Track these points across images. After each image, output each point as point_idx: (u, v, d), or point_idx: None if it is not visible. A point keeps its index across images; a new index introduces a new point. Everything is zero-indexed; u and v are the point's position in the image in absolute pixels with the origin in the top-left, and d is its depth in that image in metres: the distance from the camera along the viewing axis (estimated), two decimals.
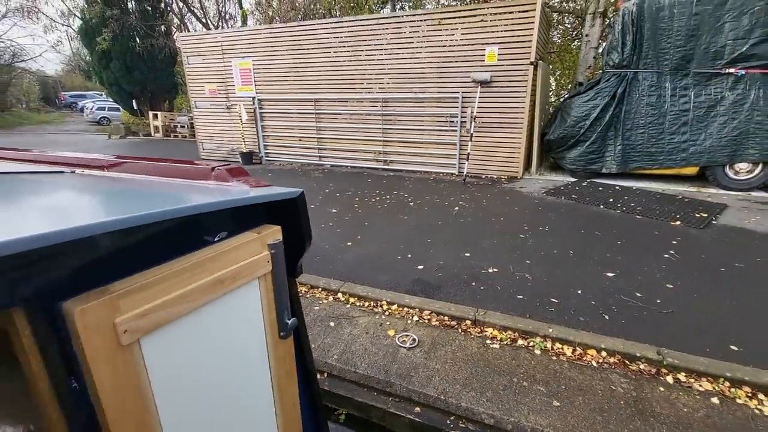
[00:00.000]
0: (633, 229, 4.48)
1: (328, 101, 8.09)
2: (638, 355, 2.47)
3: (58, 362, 0.67)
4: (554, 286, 3.32)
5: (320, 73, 7.95)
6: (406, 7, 12.33)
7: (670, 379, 2.34)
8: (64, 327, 0.66)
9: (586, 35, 7.82)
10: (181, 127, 15.02)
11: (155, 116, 15.56)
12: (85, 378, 0.69)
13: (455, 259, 3.85)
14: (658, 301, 3.04)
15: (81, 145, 14.20)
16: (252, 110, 8.85)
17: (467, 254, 3.94)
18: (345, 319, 3.08)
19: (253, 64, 8.53)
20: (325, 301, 3.34)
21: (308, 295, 3.42)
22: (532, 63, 6.20)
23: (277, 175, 8.00)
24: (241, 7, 15.84)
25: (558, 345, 2.66)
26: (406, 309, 3.15)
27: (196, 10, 17.28)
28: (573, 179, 6.72)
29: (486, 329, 2.87)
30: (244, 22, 15.20)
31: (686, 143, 5.88)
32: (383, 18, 7.33)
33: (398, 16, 7.25)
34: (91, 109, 22.85)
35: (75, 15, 18.29)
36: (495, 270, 3.61)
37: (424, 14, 6.92)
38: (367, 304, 3.27)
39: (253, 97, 8.77)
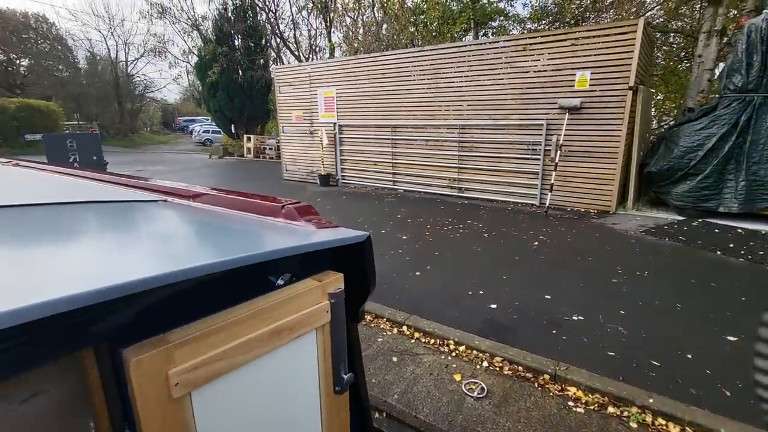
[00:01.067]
0: (763, 284, 3.68)
1: (404, 127, 8.20)
2: None
3: (117, 406, 0.66)
4: (656, 345, 2.81)
5: (399, 101, 8.13)
6: (489, 35, 12.22)
7: None
8: (122, 372, 0.65)
9: (699, 56, 6.93)
10: (269, 149, 16.41)
11: (248, 139, 17.25)
12: (136, 427, 0.67)
13: (533, 301, 3.50)
14: None
15: (187, 162, 16.23)
16: (332, 135, 9.32)
17: (547, 296, 3.56)
18: (408, 355, 2.93)
19: (337, 92, 9.04)
20: (389, 333, 3.22)
21: (372, 325, 3.34)
22: (631, 88, 5.62)
23: (351, 198, 8.24)
24: (329, 40, 17.12)
25: (661, 420, 2.21)
26: (475, 352, 2.90)
27: (290, 45, 19.09)
28: (680, 217, 5.84)
29: (568, 388, 2.51)
30: (332, 54, 16.36)
31: None
32: (465, 46, 7.29)
33: (481, 44, 7.16)
34: (198, 132, 26.22)
35: (193, 53, 21.38)
36: (580, 318, 3.19)
37: (509, 40, 6.74)
38: (432, 341, 3.09)
39: (334, 123, 9.25)
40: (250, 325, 0.78)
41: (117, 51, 29.80)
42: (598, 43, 5.83)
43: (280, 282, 0.89)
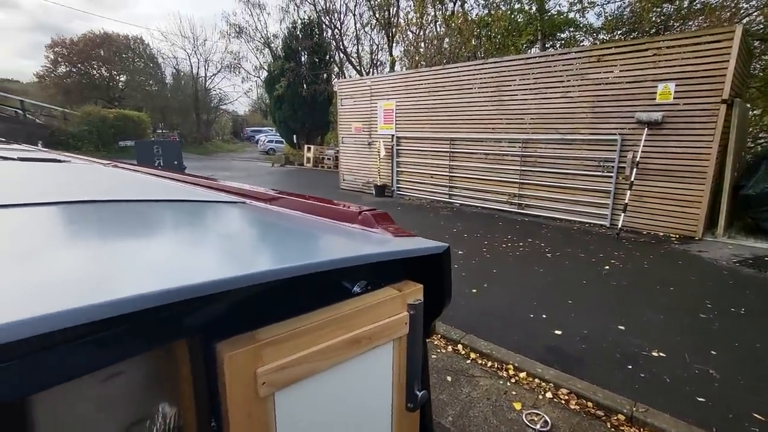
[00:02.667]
0: None
1: (463, 140, 8.08)
2: None
3: (205, 399, 0.67)
4: (758, 395, 2.42)
5: (459, 113, 8.04)
6: (557, 46, 11.74)
7: None
8: (213, 366, 0.65)
9: None
10: (328, 159, 17.00)
11: (308, 149, 18.02)
12: (222, 422, 0.67)
13: (604, 331, 3.19)
14: None
15: (251, 170, 17.30)
16: (390, 147, 9.43)
17: (621, 327, 3.24)
18: (464, 376, 2.80)
19: (396, 105, 9.15)
20: (444, 351, 3.11)
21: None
22: (724, 101, 5.06)
23: (406, 210, 8.22)
24: (391, 54, 17.52)
25: None
26: (537, 380, 2.70)
27: (353, 59, 19.81)
28: None
29: None
30: (392, 68, 16.70)
31: None
32: (531, 58, 7.05)
33: (549, 55, 6.89)
34: (263, 141, 27.95)
35: (264, 68, 22.96)
36: (662, 355, 2.85)
37: (580, 51, 6.41)
38: (490, 363, 2.92)
39: (393, 135, 9.35)
40: (331, 331, 0.76)
41: (198, 67, 32.91)
42: (686, 52, 5.33)
43: (356, 289, 0.87)
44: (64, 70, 28.94)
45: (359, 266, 0.87)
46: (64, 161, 2.80)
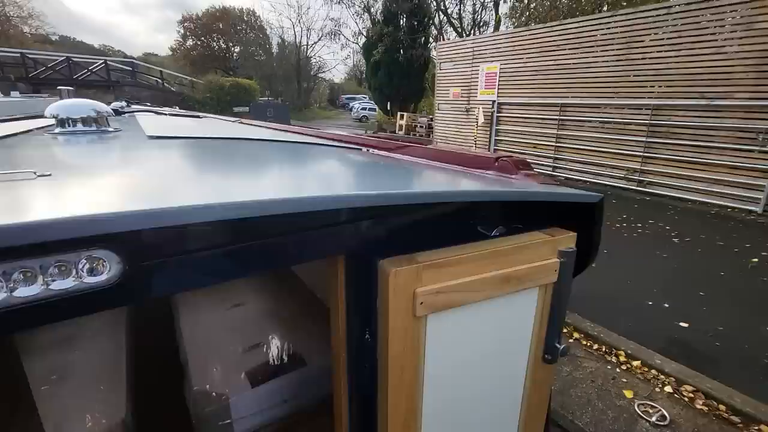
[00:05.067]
0: None
1: (576, 106, 7.24)
2: None
3: (360, 313, 0.70)
4: None
5: (573, 76, 7.18)
6: None
7: None
8: (371, 283, 0.68)
9: None
10: (420, 127, 16.78)
11: (401, 116, 17.94)
12: (378, 335, 0.70)
13: (746, 330, 2.71)
14: None
15: None
16: (489, 114, 8.91)
17: None
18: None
19: (500, 68, 8.52)
20: None
21: None
22: None
23: None
24: (496, 13, 16.21)
25: None
26: (654, 372, 2.43)
27: (453, 21, 18.84)
28: None
29: None
30: (497, 28, 15.48)
31: None
32: (676, 5, 5.88)
33: (699, 2, 5.67)
34: (357, 109, 28.63)
35: (362, 34, 23.14)
36: None
37: None
38: (596, 346, 2.70)
39: (493, 101, 8.79)
40: (483, 266, 0.73)
41: (301, 36, 34.52)
42: None
43: (495, 233, 0.82)
44: (191, 43, 32.71)
45: (501, 209, 0.82)
46: (203, 117, 3.21)
